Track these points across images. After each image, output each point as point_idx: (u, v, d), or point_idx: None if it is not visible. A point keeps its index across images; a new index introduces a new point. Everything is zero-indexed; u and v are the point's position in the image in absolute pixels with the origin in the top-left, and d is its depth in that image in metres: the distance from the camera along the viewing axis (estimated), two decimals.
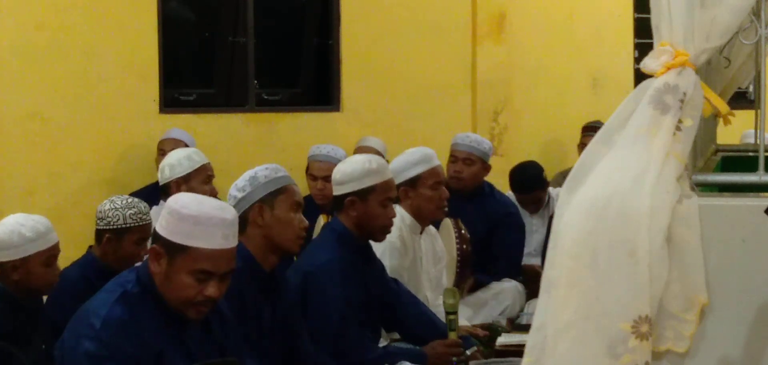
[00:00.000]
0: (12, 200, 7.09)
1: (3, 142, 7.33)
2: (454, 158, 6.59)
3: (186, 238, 3.46)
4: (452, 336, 4.77)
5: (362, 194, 4.67)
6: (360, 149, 6.81)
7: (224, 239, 3.50)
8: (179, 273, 3.48)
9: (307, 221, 4.29)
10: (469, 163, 6.60)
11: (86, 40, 7.52)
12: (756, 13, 3.27)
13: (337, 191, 4.74)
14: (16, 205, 6.72)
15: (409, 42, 8.57)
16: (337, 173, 4.76)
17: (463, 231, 5.88)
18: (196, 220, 3.46)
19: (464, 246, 5.83)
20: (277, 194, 4.20)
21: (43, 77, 7.40)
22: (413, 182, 5.23)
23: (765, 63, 3.41)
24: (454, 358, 4.72)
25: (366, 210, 4.67)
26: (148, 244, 4.76)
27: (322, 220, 6.03)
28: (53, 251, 4.59)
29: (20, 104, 7.35)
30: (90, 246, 4.91)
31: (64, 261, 5.64)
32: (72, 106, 7.49)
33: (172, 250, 3.48)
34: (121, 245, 4.63)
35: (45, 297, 4.76)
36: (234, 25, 8.31)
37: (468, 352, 4.89)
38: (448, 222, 5.75)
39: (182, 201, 3.54)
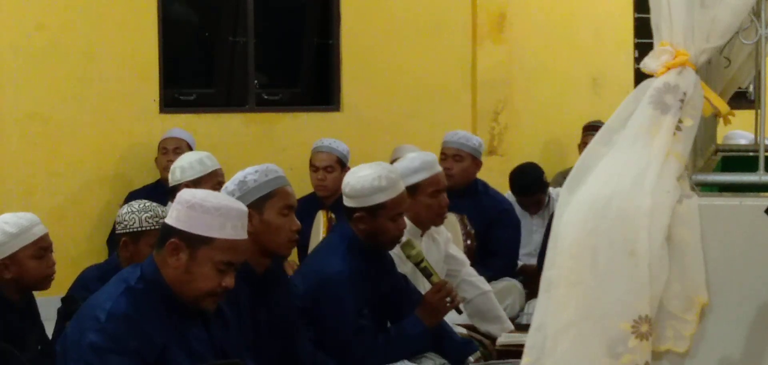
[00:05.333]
0: (12, 200, 7.08)
1: (3, 142, 7.33)
2: (443, 155, 6.61)
3: (211, 230, 3.52)
4: (434, 279, 4.77)
5: (371, 211, 4.63)
6: (394, 161, 6.73)
7: (243, 229, 3.60)
8: (202, 265, 3.53)
9: (299, 223, 4.24)
10: (459, 159, 6.63)
11: (86, 40, 7.52)
12: (756, 13, 3.28)
13: (346, 202, 4.69)
14: (17, 205, 6.72)
15: (409, 42, 8.57)
16: (347, 186, 4.70)
17: (468, 227, 5.88)
18: (220, 212, 3.53)
19: (470, 242, 5.84)
20: (266, 199, 4.14)
21: (43, 77, 7.40)
22: (413, 190, 5.17)
23: (765, 63, 3.41)
24: (448, 299, 4.72)
25: (375, 225, 4.63)
26: None
27: (321, 216, 6.02)
28: (41, 244, 4.59)
29: (20, 104, 7.35)
30: (117, 251, 4.88)
31: (63, 260, 5.66)
32: (72, 106, 7.49)
33: (195, 243, 3.52)
34: (137, 248, 4.57)
35: (61, 297, 4.72)
36: (234, 25, 8.31)
37: (471, 358, 4.89)
38: (453, 218, 5.73)
39: (200, 195, 3.60)
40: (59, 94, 7.45)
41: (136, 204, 4.69)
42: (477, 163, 6.70)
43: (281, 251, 4.22)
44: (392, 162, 5.59)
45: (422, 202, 5.19)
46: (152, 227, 4.54)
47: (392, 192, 4.65)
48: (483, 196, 6.67)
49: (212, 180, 5.73)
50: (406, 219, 5.13)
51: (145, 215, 4.60)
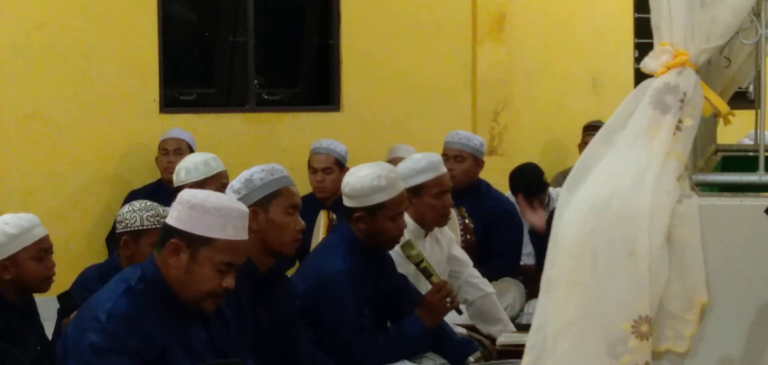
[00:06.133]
0: (12, 200, 7.09)
1: (3, 142, 7.33)
2: (445, 156, 6.61)
3: (211, 230, 3.52)
4: (434, 279, 4.78)
5: (371, 211, 4.62)
6: (391, 161, 6.72)
7: (244, 230, 3.60)
8: (202, 266, 3.53)
9: (303, 223, 4.25)
10: (460, 160, 6.65)
11: (86, 40, 7.52)
12: (756, 13, 3.28)
13: (346, 202, 4.69)
14: (16, 205, 6.72)
15: (409, 42, 8.57)
16: (346, 186, 4.69)
17: (467, 221, 5.89)
18: (220, 212, 3.53)
19: (468, 237, 5.85)
20: (272, 197, 4.16)
21: (43, 77, 7.40)
22: (417, 190, 5.18)
23: (765, 63, 3.41)
24: (448, 300, 4.72)
25: (374, 225, 4.63)
26: None
27: (322, 216, 6.02)
28: (42, 245, 4.58)
29: (20, 104, 7.35)
30: (117, 251, 4.84)
31: (63, 260, 5.66)
32: (72, 106, 7.49)
33: (195, 243, 3.52)
34: (138, 247, 4.56)
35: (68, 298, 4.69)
36: (234, 25, 8.31)
37: (471, 358, 4.89)
38: (452, 212, 5.73)
39: (201, 195, 3.60)
40: (59, 94, 7.45)
41: (137, 203, 4.68)
42: (479, 163, 6.72)
43: (285, 250, 4.23)
44: (388, 162, 5.59)
45: (426, 203, 5.20)
46: (153, 227, 4.53)
47: (392, 192, 4.65)
48: (485, 196, 6.68)
49: (217, 182, 5.72)
50: (410, 220, 5.15)
51: (147, 214, 4.59)
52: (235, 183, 4.21)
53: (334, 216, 5.95)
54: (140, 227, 4.56)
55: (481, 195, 6.66)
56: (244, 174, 4.21)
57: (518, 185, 7.20)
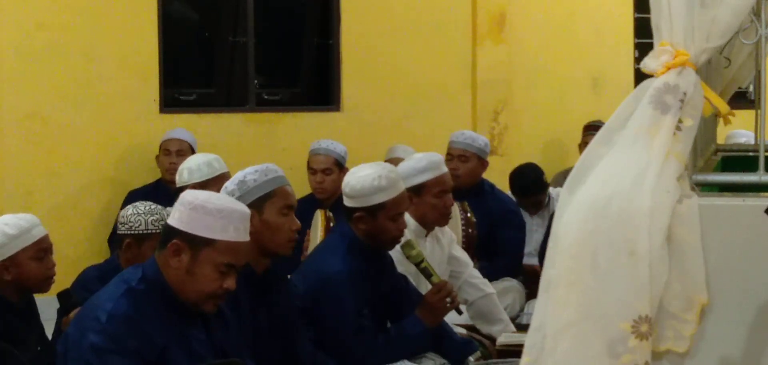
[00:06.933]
0: (12, 200, 7.09)
1: (3, 142, 7.33)
2: (450, 156, 6.63)
3: (212, 231, 3.52)
4: (434, 279, 4.77)
5: (371, 211, 4.63)
6: (390, 161, 6.71)
7: (245, 231, 3.60)
8: (203, 267, 3.53)
9: (299, 223, 4.24)
10: (464, 160, 6.66)
11: (86, 40, 7.51)
12: (756, 13, 3.28)
13: (346, 202, 4.69)
14: (16, 205, 6.72)
15: (409, 42, 8.57)
16: (347, 186, 4.70)
17: (469, 215, 5.89)
18: (222, 213, 3.54)
19: (470, 231, 5.86)
20: (266, 198, 4.15)
21: (43, 77, 7.40)
22: (418, 190, 5.19)
23: (765, 63, 3.41)
24: (448, 300, 4.72)
25: (375, 225, 4.63)
26: None
27: (319, 215, 6.01)
28: (41, 245, 4.58)
29: (20, 104, 7.35)
30: (117, 252, 4.83)
31: (63, 260, 5.66)
32: (72, 106, 7.49)
33: (197, 244, 3.53)
34: (141, 251, 4.52)
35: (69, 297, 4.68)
36: (234, 25, 8.31)
37: (471, 358, 4.89)
38: (454, 206, 5.73)
39: (203, 196, 3.60)
40: (59, 94, 7.45)
41: (141, 206, 4.65)
42: (483, 163, 6.74)
43: (281, 250, 4.22)
44: (386, 162, 5.59)
45: (428, 202, 5.21)
46: (157, 231, 4.47)
47: (392, 192, 4.65)
48: (489, 196, 6.70)
49: (219, 183, 5.66)
50: (411, 219, 5.15)
51: (152, 218, 4.56)
52: (228, 185, 4.19)
53: (331, 215, 5.95)
54: (145, 231, 4.54)
55: (485, 195, 6.67)
56: (238, 175, 4.19)
57: (517, 185, 7.21)
